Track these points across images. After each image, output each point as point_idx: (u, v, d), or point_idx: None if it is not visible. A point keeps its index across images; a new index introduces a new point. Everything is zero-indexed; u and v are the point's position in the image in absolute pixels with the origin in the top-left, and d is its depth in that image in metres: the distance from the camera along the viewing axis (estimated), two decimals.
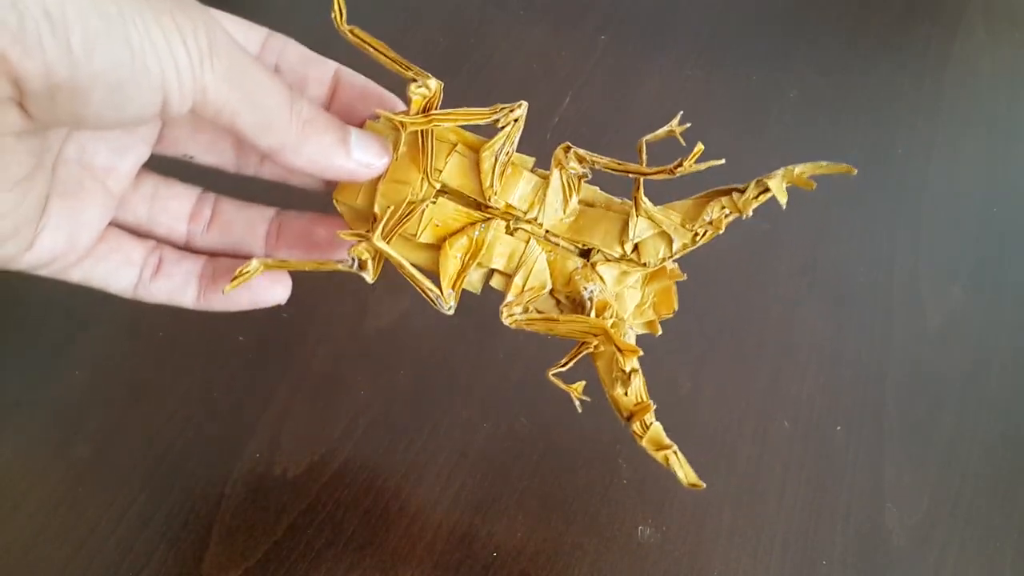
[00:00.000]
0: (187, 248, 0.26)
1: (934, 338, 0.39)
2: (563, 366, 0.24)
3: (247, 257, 0.25)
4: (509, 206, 0.25)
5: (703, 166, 0.24)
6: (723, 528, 0.33)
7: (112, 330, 0.37)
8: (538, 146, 0.45)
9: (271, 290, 0.26)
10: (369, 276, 0.24)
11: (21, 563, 0.30)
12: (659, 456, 0.24)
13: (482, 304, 0.38)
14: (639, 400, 0.24)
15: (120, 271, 0.25)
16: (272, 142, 0.22)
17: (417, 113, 0.24)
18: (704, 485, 0.25)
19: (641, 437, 0.24)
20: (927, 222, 0.43)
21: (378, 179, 0.25)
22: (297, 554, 0.31)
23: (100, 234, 0.24)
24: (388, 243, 0.24)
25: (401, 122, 0.23)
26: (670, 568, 0.32)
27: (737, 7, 0.54)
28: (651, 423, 0.24)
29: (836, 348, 0.38)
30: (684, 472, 0.24)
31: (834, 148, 0.46)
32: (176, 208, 0.26)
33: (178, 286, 0.25)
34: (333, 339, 0.37)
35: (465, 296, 0.38)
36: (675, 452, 0.24)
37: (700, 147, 0.24)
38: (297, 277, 0.39)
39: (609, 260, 0.25)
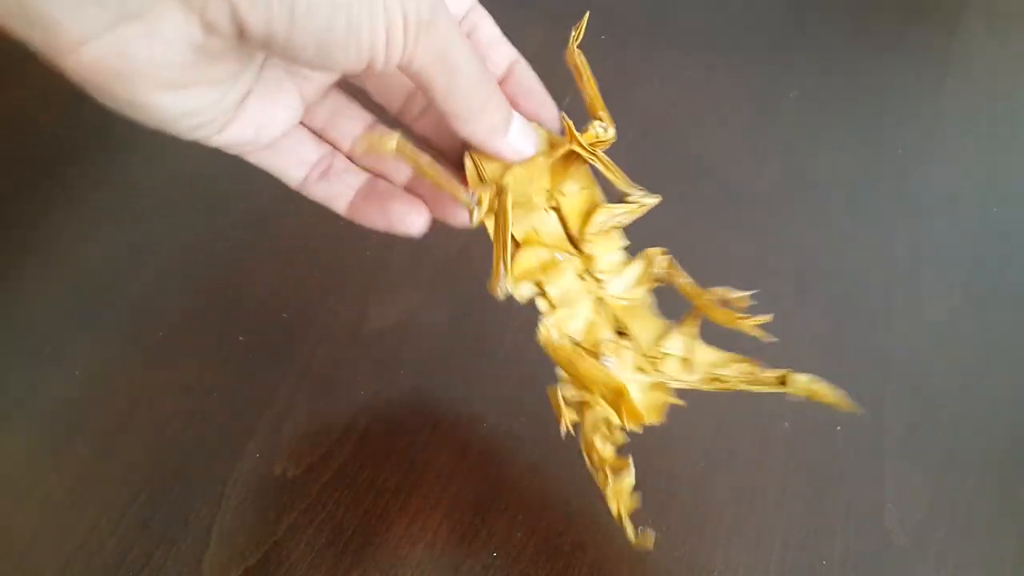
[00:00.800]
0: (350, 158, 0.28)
1: (934, 338, 0.39)
2: (561, 398, 0.27)
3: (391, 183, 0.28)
4: (591, 256, 0.27)
5: (758, 332, 0.28)
6: (723, 528, 0.33)
7: (112, 330, 0.37)
8: None
9: (407, 217, 0.27)
10: (478, 214, 0.26)
11: (21, 563, 0.30)
12: (613, 508, 0.27)
13: (482, 305, 0.38)
14: (613, 459, 0.27)
15: (292, 167, 0.27)
16: (450, 108, 0.23)
17: (585, 143, 0.26)
18: (651, 547, 0.28)
19: (604, 487, 0.27)
20: (927, 222, 0.43)
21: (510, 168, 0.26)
22: (297, 554, 0.31)
23: (285, 132, 0.26)
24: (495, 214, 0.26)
25: (572, 139, 0.26)
26: (670, 568, 0.32)
27: (737, 7, 0.54)
28: (629, 483, 0.27)
29: (836, 348, 0.38)
30: (631, 532, 0.27)
31: (834, 148, 0.47)
32: (348, 127, 0.28)
33: (336, 194, 0.27)
34: (333, 339, 0.37)
35: (467, 299, 0.38)
36: (626, 514, 0.27)
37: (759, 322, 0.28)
38: (301, 279, 0.39)
39: (635, 352, 0.27)
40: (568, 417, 0.27)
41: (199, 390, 0.35)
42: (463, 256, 0.40)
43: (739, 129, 0.47)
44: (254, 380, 0.35)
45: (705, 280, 0.40)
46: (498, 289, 0.26)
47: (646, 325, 0.27)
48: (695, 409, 0.36)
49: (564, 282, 0.27)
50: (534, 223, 0.27)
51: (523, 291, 0.27)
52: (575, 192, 0.27)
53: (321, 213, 0.29)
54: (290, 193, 0.32)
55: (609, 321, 0.28)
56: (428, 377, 0.36)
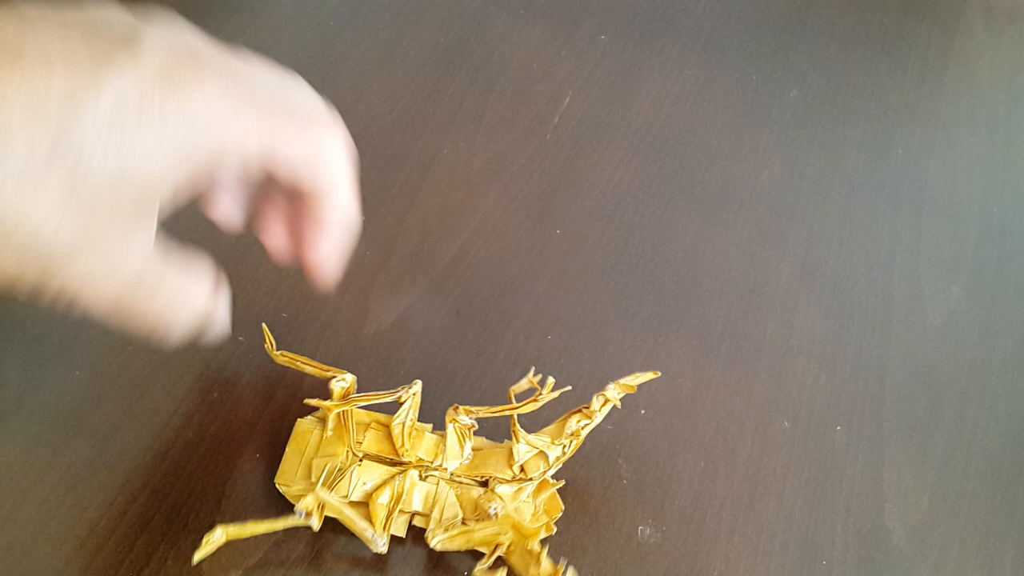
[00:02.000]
0: None
1: (934, 338, 0.39)
2: (488, 567, 0.29)
3: None
4: (419, 459, 0.31)
5: (557, 394, 0.31)
6: (723, 528, 0.33)
7: (112, 330, 0.37)
8: (538, 147, 0.45)
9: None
10: (316, 525, 0.30)
11: (21, 563, 0.30)
12: None
13: (482, 308, 0.38)
14: (552, 570, 0.29)
15: None
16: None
17: (338, 400, 0.31)
18: None
19: None
20: (927, 222, 0.43)
21: (312, 457, 0.31)
22: (297, 554, 0.31)
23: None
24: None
25: (328, 408, 0.31)
26: (670, 568, 0.32)
27: (737, 7, 0.54)
28: None
29: (836, 348, 0.38)
30: None
31: (834, 148, 0.47)
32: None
33: None
34: (333, 340, 0.37)
35: (467, 299, 0.38)
36: None
37: (551, 382, 0.31)
38: (301, 279, 0.39)
39: (503, 482, 0.31)
40: None
41: (199, 390, 0.35)
42: (463, 256, 0.40)
43: (739, 129, 0.47)
44: (254, 380, 0.35)
45: (705, 281, 0.40)
46: (379, 548, 0.30)
47: (493, 461, 0.31)
48: (695, 409, 0.36)
49: (418, 493, 0.31)
50: (360, 478, 0.31)
51: (401, 529, 0.31)
52: (368, 435, 0.31)
53: None
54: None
55: (470, 483, 0.31)
56: (428, 377, 0.36)
